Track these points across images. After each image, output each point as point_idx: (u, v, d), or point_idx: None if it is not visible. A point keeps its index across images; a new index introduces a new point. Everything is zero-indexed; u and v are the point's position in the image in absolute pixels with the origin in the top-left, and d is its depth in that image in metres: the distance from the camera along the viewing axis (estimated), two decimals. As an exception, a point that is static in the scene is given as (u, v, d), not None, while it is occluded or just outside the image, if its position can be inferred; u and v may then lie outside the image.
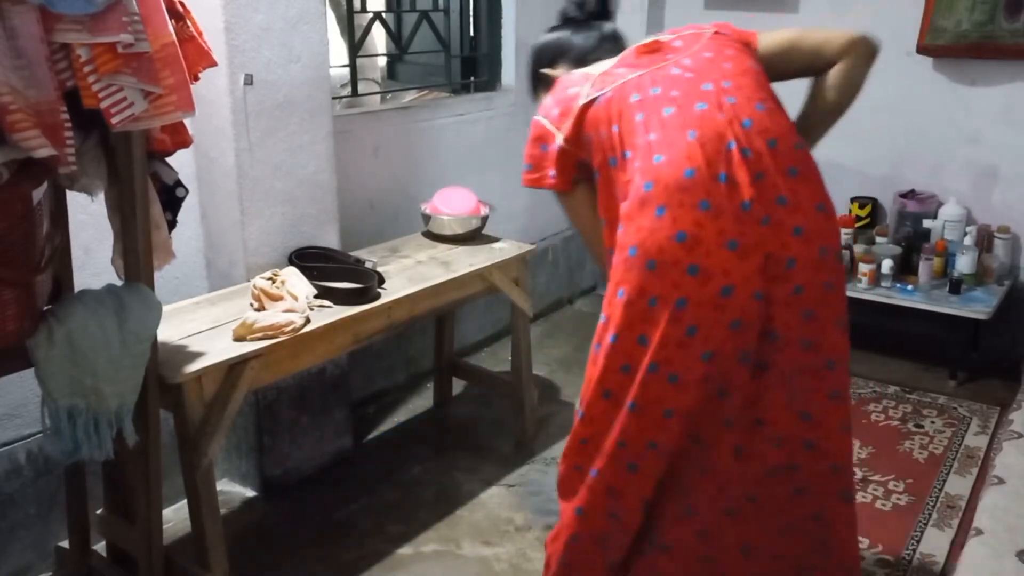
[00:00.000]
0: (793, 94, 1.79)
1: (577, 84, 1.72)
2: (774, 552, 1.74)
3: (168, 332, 2.10)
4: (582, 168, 1.76)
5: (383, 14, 3.50)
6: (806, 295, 1.57)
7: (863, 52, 1.71)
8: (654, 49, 1.72)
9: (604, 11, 1.92)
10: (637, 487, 1.68)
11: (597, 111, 1.66)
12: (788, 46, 1.75)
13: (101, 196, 1.93)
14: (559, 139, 1.71)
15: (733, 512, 1.70)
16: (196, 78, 1.88)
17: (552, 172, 1.76)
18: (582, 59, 1.85)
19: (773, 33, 1.78)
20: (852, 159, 4.00)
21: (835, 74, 1.72)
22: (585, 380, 1.71)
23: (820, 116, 1.78)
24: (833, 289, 1.61)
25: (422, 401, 3.38)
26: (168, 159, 2.00)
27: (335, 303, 2.38)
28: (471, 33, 3.81)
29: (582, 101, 1.68)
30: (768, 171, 1.55)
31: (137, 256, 1.86)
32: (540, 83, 1.95)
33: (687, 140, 1.56)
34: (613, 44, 1.89)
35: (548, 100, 1.78)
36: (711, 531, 1.72)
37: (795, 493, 1.70)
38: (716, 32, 1.74)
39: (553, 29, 1.94)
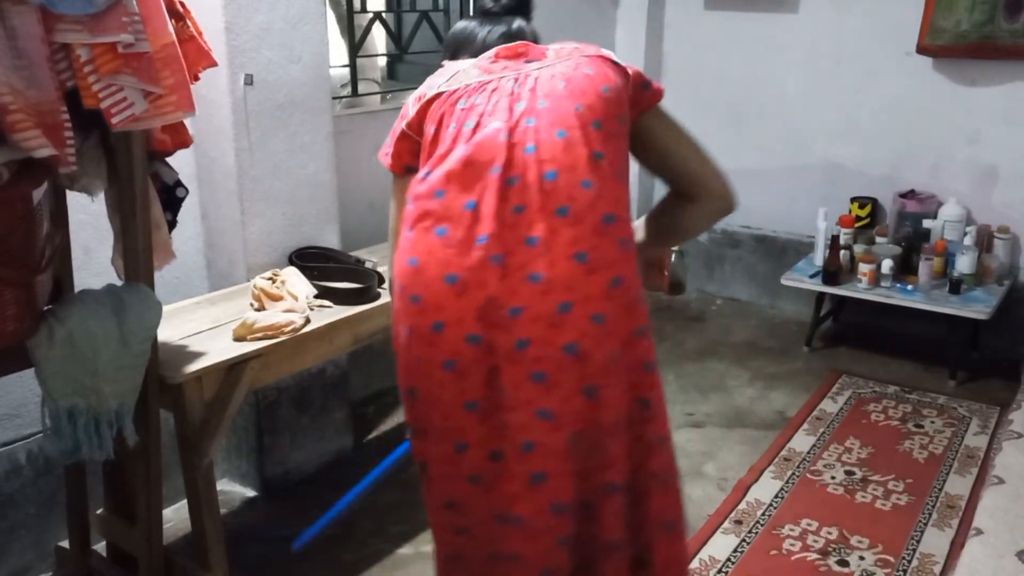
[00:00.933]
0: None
1: (448, 73, 1.59)
2: None
3: (168, 332, 2.10)
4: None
5: (383, 14, 3.49)
6: (533, 353, 1.36)
7: (724, 210, 1.60)
8: (516, 55, 1.57)
9: (522, 6, 1.74)
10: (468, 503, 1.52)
11: (435, 106, 1.54)
12: (671, 145, 1.58)
13: (101, 196, 1.93)
14: (404, 122, 1.60)
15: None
16: (196, 78, 1.88)
17: (389, 150, 1.65)
18: (482, 53, 1.67)
19: (671, 116, 1.59)
20: (852, 159, 4.01)
21: (695, 215, 1.61)
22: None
23: (668, 234, 1.69)
24: (577, 355, 1.36)
25: (422, 401, 3.37)
26: (168, 159, 2.00)
27: (335, 303, 2.38)
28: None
29: (431, 93, 1.55)
30: (530, 206, 1.37)
31: (137, 256, 1.86)
32: None
33: (454, 159, 1.44)
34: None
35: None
36: None
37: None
38: (597, 55, 1.55)
39: (467, 19, 1.77)
